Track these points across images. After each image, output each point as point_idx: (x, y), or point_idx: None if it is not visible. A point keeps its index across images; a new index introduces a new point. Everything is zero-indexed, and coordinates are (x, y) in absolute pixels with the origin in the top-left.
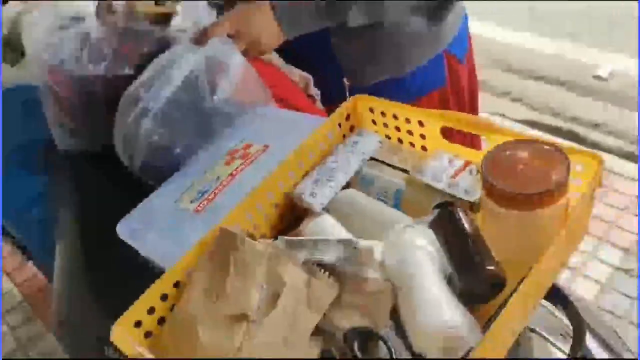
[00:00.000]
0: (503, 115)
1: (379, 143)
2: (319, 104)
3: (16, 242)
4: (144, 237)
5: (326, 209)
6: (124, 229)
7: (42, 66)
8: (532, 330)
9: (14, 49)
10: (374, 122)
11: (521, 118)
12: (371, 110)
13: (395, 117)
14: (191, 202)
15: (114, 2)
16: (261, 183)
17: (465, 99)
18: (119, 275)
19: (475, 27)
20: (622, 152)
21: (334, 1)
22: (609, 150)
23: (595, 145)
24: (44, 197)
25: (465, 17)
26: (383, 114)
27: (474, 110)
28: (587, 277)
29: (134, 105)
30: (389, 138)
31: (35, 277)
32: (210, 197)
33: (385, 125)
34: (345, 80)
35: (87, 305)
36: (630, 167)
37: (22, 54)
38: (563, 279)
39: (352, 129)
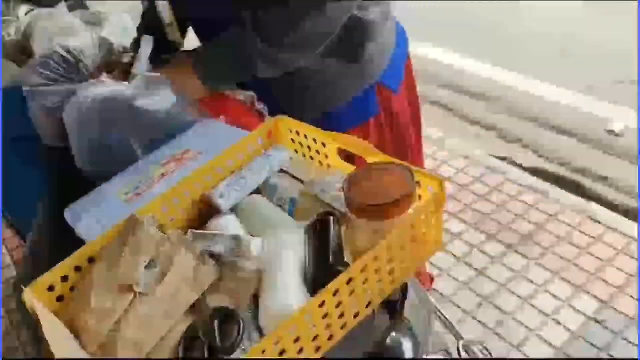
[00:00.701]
0: (513, 162)
1: (289, 158)
2: (267, 119)
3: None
4: (83, 222)
5: (234, 210)
6: (70, 214)
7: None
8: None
9: (24, 52)
10: (293, 140)
11: (529, 165)
12: (290, 130)
13: (306, 137)
14: (125, 194)
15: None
16: (179, 182)
17: (403, 125)
18: None
19: (492, 73)
20: (622, 206)
21: (243, 60)
22: (610, 205)
23: (597, 198)
24: (37, 187)
25: (401, 47)
26: (298, 133)
27: (417, 134)
28: (559, 323)
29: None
30: (305, 156)
31: None
32: (139, 192)
33: (301, 144)
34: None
35: None
36: (624, 222)
37: (31, 55)
38: (535, 322)
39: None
